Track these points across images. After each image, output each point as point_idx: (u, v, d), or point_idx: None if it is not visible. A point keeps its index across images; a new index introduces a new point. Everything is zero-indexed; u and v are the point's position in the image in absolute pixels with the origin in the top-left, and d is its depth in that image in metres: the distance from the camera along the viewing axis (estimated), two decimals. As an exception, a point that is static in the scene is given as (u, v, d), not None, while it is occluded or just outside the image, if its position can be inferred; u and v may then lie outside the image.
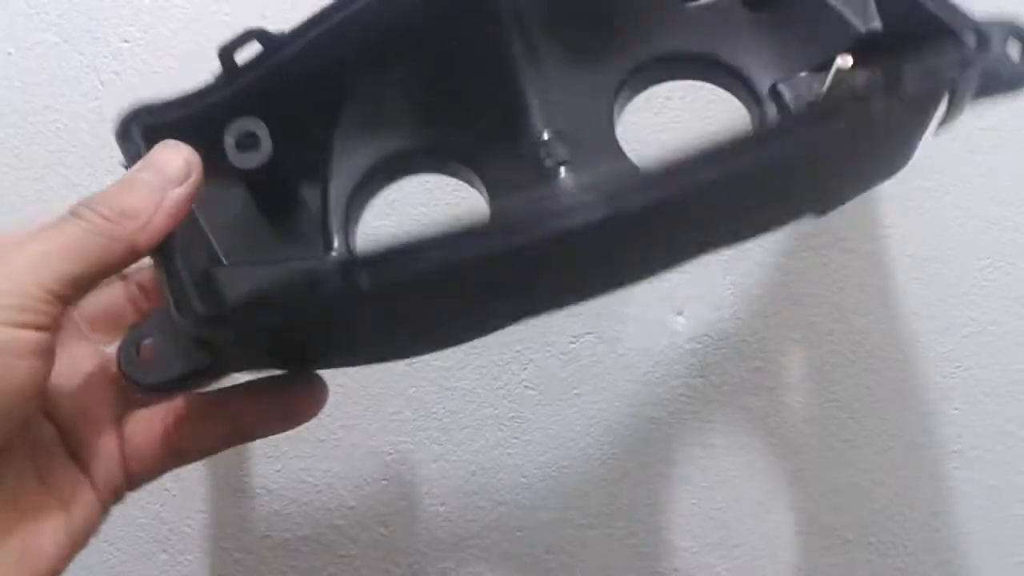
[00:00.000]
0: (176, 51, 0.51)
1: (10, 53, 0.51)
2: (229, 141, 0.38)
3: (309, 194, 0.41)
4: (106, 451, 0.35)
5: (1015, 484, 0.53)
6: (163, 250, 0.32)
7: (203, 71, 0.48)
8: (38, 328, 0.28)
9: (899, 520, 0.54)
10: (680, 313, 0.52)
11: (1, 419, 0.28)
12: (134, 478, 0.36)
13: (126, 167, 0.34)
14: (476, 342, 0.38)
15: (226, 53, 0.38)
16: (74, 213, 0.30)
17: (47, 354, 0.29)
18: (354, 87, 0.41)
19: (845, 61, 0.38)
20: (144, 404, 0.36)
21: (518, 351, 0.52)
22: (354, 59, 0.40)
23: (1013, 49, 0.35)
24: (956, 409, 0.53)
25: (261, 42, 0.38)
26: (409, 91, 0.42)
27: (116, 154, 0.51)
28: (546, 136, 0.42)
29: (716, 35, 0.42)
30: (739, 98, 0.42)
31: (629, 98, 0.44)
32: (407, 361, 0.50)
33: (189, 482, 0.52)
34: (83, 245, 0.29)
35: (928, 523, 0.54)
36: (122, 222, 0.30)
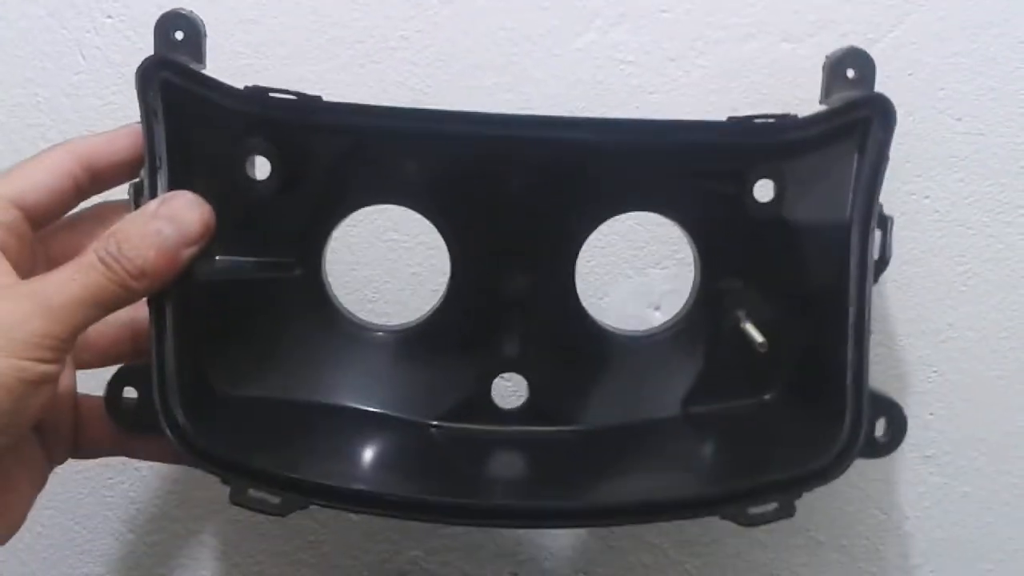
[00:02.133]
0: (160, 28, 0.50)
1: (-7, 25, 0.51)
2: (238, 163, 0.41)
3: (295, 210, 0.44)
4: (62, 431, 0.38)
5: (988, 490, 0.53)
6: (159, 306, 0.37)
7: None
8: (59, 361, 0.32)
9: (871, 524, 0.54)
10: (657, 308, 0.52)
11: (11, 430, 0.33)
12: (80, 455, 0.40)
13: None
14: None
15: (260, 92, 0.40)
16: (103, 262, 0.33)
17: (58, 376, 0.33)
18: (370, 157, 0.44)
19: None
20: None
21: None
22: (397, 151, 0.44)
23: (880, 426, 0.41)
24: (931, 414, 0.53)
25: (297, 97, 0.40)
26: (418, 175, 0.45)
27: (96, 128, 0.51)
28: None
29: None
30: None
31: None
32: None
33: (159, 463, 0.52)
34: (106, 296, 0.33)
35: (900, 527, 0.54)
36: (141, 280, 0.33)
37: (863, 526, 0.54)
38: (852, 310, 0.40)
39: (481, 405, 0.46)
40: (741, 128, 0.43)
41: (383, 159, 0.44)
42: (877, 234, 0.41)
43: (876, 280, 0.41)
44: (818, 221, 0.43)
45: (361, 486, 0.41)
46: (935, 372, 0.53)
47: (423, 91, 0.50)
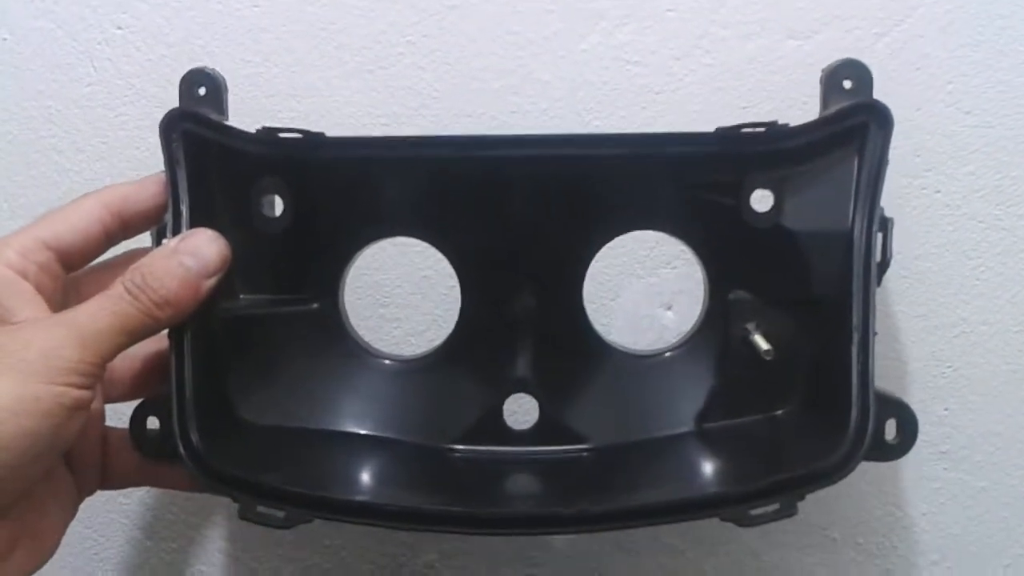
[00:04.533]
0: (169, 39, 0.51)
1: (5, 39, 0.51)
2: (254, 202, 0.44)
3: (309, 246, 0.45)
4: (91, 463, 0.40)
5: (1004, 485, 0.53)
6: (178, 337, 0.39)
7: (194, 60, 0.49)
8: (91, 387, 0.34)
9: (887, 521, 0.53)
10: (669, 308, 0.52)
11: (46, 456, 0.34)
12: (108, 485, 0.42)
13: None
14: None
15: (270, 133, 0.42)
16: (130, 292, 0.35)
17: (90, 404, 0.35)
18: (375, 188, 0.45)
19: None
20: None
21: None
22: (401, 182, 0.45)
23: (891, 428, 0.41)
24: (946, 410, 0.53)
25: (303, 135, 0.43)
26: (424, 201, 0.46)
27: (108, 140, 0.52)
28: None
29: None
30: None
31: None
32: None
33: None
34: (134, 324, 0.35)
35: (916, 524, 0.53)
36: (165, 309, 0.36)
37: (879, 523, 0.53)
38: (856, 313, 0.40)
39: (493, 427, 0.46)
40: (733, 138, 0.43)
41: (386, 189, 0.45)
42: (878, 237, 0.41)
43: (879, 283, 0.41)
44: (819, 227, 0.43)
45: (365, 497, 0.42)
46: (949, 367, 0.52)
47: (430, 95, 0.51)
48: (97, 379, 0.35)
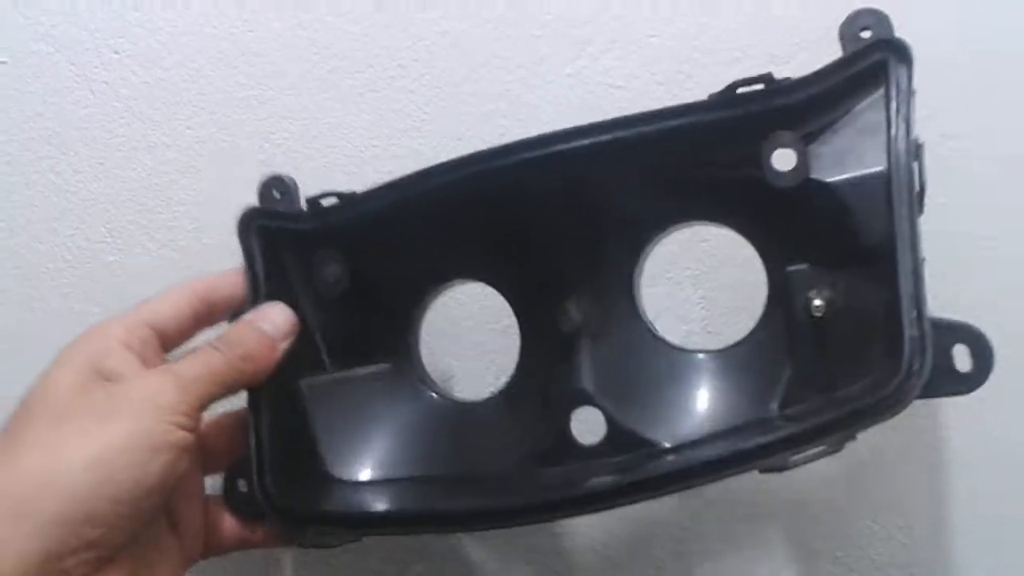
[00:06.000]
0: (165, 63, 0.52)
1: (5, 62, 0.53)
2: (316, 273, 0.47)
3: (376, 314, 0.48)
4: (194, 528, 0.43)
5: (993, 491, 0.53)
6: (255, 398, 0.43)
7: (191, 84, 0.50)
8: (192, 430, 0.38)
9: (866, 534, 0.54)
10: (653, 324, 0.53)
11: (156, 492, 0.37)
12: (212, 551, 0.45)
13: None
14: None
15: (315, 204, 0.46)
16: (217, 348, 0.41)
17: (191, 449, 0.39)
18: (414, 234, 0.47)
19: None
20: None
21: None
22: (427, 217, 0.46)
23: (962, 357, 0.37)
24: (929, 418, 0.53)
25: (339, 198, 0.46)
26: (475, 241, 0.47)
27: (104, 161, 0.52)
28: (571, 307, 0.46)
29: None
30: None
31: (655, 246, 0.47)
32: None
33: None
34: (223, 374, 0.40)
35: (893, 537, 0.54)
36: (246, 364, 0.41)
37: (858, 537, 0.54)
38: (902, 240, 0.37)
39: (563, 445, 0.45)
40: (742, 101, 0.42)
41: (424, 231, 0.46)
42: (915, 166, 0.38)
43: (921, 210, 0.39)
44: (854, 173, 0.41)
45: (467, 504, 0.43)
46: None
47: (420, 118, 0.52)
48: (196, 421, 0.39)
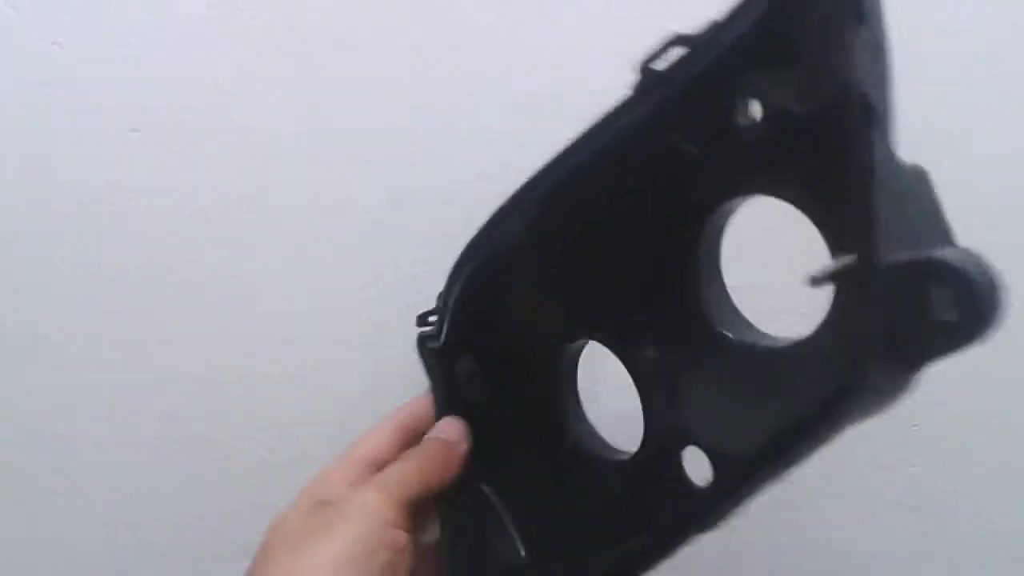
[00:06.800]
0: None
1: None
2: (459, 381, 0.50)
3: (518, 401, 0.48)
4: None
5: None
6: (444, 504, 0.47)
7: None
8: (406, 530, 0.43)
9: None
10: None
11: None
12: None
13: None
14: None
15: (440, 298, 0.49)
16: (408, 457, 0.46)
17: (408, 550, 0.43)
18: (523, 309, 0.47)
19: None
20: None
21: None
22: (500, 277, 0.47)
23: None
24: (914, 426, 0.54)
25: (438, 315, 0.49)
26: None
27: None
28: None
29: None
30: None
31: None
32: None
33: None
34: (417, 478, 0.46)
35: (869, 568, 0.55)
36: (434, 465, 0.47)
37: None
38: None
39: (681, 489, 0.40)
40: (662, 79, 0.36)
41: (515, 288, 0.46)
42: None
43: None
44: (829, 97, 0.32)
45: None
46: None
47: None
48: (406, 522, 0.44)
